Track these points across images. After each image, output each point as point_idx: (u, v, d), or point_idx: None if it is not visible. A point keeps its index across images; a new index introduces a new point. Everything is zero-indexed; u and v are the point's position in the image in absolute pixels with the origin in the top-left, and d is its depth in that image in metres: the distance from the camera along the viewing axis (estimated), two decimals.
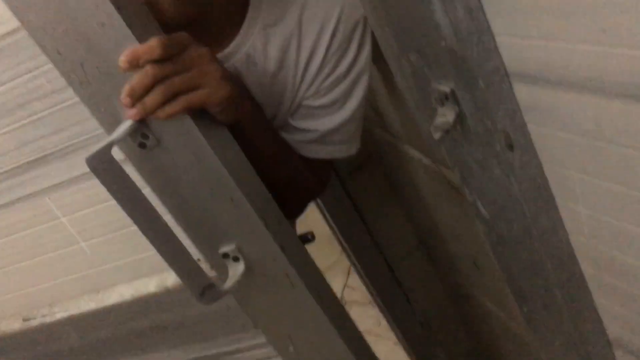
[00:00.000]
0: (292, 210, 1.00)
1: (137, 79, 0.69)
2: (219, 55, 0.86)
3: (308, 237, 1.06)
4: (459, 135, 0.68)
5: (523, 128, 0.61)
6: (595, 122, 0.53)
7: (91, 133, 0.86)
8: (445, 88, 0.66)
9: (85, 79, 0.72)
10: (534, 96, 0.58)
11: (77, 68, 0.72)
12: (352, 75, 0.91)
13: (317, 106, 0.92)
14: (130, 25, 0.68)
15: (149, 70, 0.69)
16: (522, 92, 0.59)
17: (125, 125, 0.72)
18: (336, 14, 0.87)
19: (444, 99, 0.66)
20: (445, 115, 0.66)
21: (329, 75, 0.90)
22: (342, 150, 0.97)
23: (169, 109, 0.71)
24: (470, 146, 0.68)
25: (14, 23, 0.74)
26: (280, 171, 0.90)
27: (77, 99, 0.77)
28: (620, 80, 0.48)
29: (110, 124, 0.75)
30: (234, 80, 0.77)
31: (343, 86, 0.91)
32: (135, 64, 0.69)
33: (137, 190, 0.73)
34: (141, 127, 0.73)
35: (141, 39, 0.69)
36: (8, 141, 0.89)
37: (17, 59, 0.81)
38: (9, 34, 0.79)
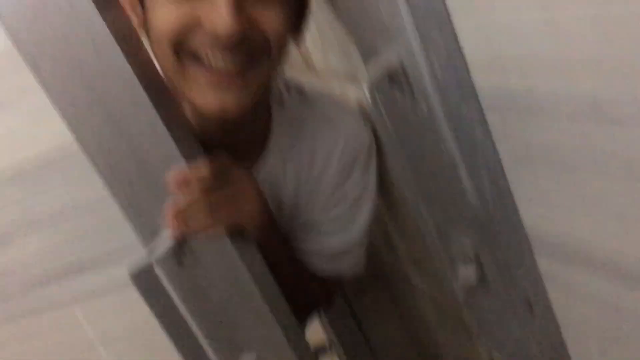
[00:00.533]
0: (298, 319, 1.04)
1: (186, 202, 0.72)
2: None
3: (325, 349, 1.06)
4: (480, 292, 0.70)
5: (544, 295, 0.63)
6: (615, 305, 0.55)
7: (123, 244, 0.87)
8: (469, 249, 0.68)
9: (132, 194, 0.76)
10: (554, 267, 0.61)
11: (125, 184, 0.76)
12: (357, 200, 0.97)
13: (323, 230, 0.97)
14: (178, 144, 0.72)
15: (200, 196, 0.72)
16: (544, 262, 0.62)
17: (168, 242, 0.74)
18: (341, 141, 0.94)
19: (468, 259, 0.69)
20: (468, 275, 0.68)
21: (335, 201, 0.96)
22: (348, 269, 1.01)
23: (211, 228, 0.74)
24: (491, 304, 0.70)
25: (64, 139, 0.79)
26: (291, 284, 0.93)
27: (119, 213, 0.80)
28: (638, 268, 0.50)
29: (148, 237, 0.78)
30: (265, 199, 0.82)
31: (347, 210, 0.97)
32: (184, 187, 0.71)
33: (176, 308, 0.76)
34: (181, 244, 0.76)
35: (187, 157, 0.72)
36: (45, 251, 0.91)
37: (67, 175, 0.85)
38: (60, 148, 0.83)
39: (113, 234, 0.88)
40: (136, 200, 0.77)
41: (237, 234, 0.79)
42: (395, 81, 0.66)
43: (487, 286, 0.68)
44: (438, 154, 0.65)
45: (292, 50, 1.11)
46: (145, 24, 0.80)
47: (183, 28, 0.72)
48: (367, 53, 0.69)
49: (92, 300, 0.95)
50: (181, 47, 0.73)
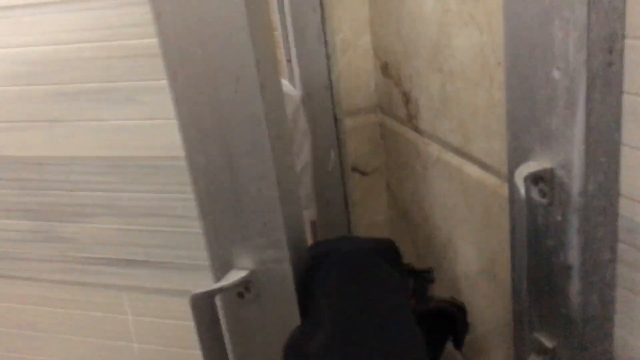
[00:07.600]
0: None
1: None
2: None
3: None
4: None
5: None
6: None
7: (194, 260, 0.93)
8: (548, 344, 0.75)
9: (220, 226, 0.80)
10: None
11: (217, 213, 0.79)
12: None
13: None
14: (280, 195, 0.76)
15: None
16: None
17: (239, 274, 0.77)
18: None
19: (543, 352, 0.75)
20: None
21: None
22: None
23: None
24: None
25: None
26: None
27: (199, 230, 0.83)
28: None
29: (218, 267, 0.81)
30: None
31: None
32: None
33: (222, 337, 0.78)
34: (249, 279, 0.78)
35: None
36: (123, 238, 0.96)
37: (165, 180, 0.91)
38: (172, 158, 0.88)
39: (186, 243, 0.93)
40: (222, 233, 0.79)
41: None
42: (539, 182, 0.72)
43: None
44: (556, 260, 0.72)
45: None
46: None
47: None
48: (519, 147, 0.75)
49: (142, 294, 1.00)
50: None
